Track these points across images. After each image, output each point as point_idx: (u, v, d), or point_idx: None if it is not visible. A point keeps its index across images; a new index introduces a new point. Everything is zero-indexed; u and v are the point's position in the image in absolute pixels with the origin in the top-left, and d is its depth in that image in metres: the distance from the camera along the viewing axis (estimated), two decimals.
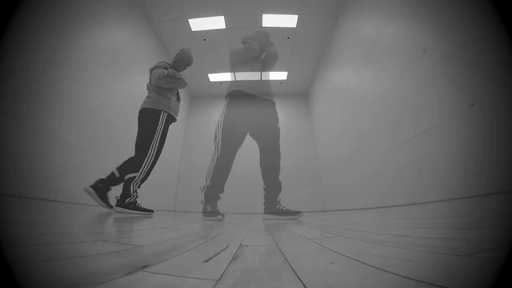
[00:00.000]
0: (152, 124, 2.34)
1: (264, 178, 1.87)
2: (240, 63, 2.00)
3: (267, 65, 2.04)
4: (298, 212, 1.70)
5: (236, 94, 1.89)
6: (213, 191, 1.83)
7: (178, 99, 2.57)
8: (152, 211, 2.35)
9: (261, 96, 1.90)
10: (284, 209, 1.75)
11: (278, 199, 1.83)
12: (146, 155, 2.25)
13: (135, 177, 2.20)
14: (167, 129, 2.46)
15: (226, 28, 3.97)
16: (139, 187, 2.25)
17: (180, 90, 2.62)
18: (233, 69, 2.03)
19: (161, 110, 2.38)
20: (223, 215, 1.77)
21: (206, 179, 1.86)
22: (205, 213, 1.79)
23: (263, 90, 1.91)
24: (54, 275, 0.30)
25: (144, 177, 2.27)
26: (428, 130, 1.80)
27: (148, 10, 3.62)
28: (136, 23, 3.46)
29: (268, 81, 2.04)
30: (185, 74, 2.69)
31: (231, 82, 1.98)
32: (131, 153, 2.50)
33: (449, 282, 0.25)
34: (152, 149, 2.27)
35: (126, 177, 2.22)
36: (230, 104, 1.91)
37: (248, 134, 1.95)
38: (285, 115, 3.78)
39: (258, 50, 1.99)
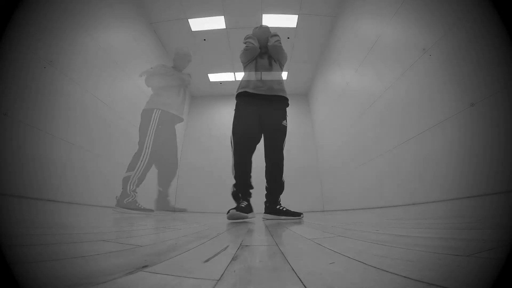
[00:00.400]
0: (145, 124, 2.39)
1: (267, 177, 1.85)
2: (247, 64, 2.00)
3: (275, 58, 2.01)
4: (299, 214, 1.70)
5: (243, 96, 1.87)
6: (240, 188, 1.76)
7: (179, 95, 2.57)
8: (152, 210, 2.36)
9: (269, 93, 1.86)
10: (284, 209, 1.74)
11: (279, 200, 1.82)
12: (140, 154, 2.27)
13: (130, 176, 2.22)
14: (162, 126, 2.47)
15: (226, 28, 3.97)
16: (137, 186, 2.26)
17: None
18: (244, 70, 2.02)
19: (153, 109, 2.42)
20: (246, 214, 1.58)
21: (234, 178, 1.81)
22: (232, 213, 1.55)
23: (269, 87, 1.87)
24: (54, 275, 0.30)
25: (140, 176, 2.28)
26: (428, 130, 1.80)
27: (148, 10, 3.62)
28: (136, 23, 3.46)
29: (277, 78, 1.98)
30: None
31: (238, 84, 1.96)
32: (131, 153, 2.52)
33: (449, 282, 0.25)
34: (145, 148, 2.29)
35: (123, 176, 2.23)
36: (239, 103, 1.90)
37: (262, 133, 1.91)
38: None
39: (258, 47, 1.97)
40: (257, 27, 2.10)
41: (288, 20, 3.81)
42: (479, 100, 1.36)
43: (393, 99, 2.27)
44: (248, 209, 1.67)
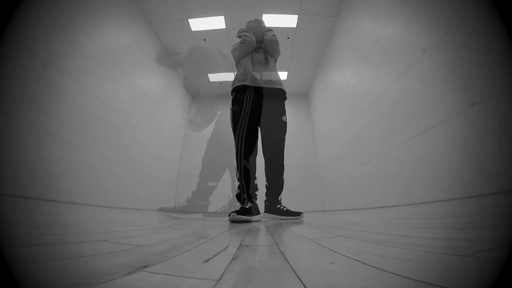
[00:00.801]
0: None
1: (268, 175, 1.81)
2: (240, 59, 1.93)
3: (270, 53, 1.96)
4: (299, 213, 1.69)
5: (240, 89, 1.79)
6: (244, 189, 1.69)
7: None
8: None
9: (268, 86, 1.80)
10: (284, 209, 1.73)
11: (279, 199, 1.80)
12: None
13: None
14: None
15: (226, 28, 3.97)
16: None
17: (179, 89, 2.61)
18: (238, 66, 1.96)
19: None
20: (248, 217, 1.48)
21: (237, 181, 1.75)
22: (234, 215, 1.47)
23: (268, 81, 1.82)
24: (54, 275, 0.30)
25: None
26: (428, 130, 1.80)
27: (148, 10, 3.62)
28: (136, 23, 3.46)
29: (274, 72, 1.91)
30: (181, 74, 2.67)
31: (234, 79, 1.89)
32: (131, 152, 2.50)
33: (449, 282, 0.25)
34: None
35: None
36: (238, 98, 1.80)
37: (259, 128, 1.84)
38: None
39: (255, 41, 1.91)
40: (251, 21, 2.01)
41: (288, 20, 3.81)
42: (479, 100, 1.36)
43: (393, 99, 2.27)
44: (253, 210, 1.59)
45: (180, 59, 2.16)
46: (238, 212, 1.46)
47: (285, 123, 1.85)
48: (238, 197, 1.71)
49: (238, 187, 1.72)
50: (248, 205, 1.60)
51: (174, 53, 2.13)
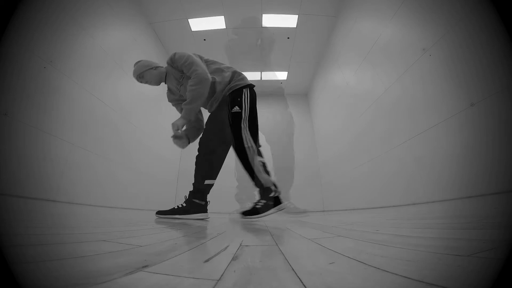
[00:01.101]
0: None
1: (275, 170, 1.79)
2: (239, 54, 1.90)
3: (266, 51, 1.94)
4: (304, 211, 1.68)
5: (239, 87, 1.76)
6: (244, 191, 1.69)
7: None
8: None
9: (267, 85, 1.80)
10: (292, 206, 1.72)
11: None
12: None
13: None
14: None
15: (226, 28, 3.97)
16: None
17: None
18: (226, 69, 1.93)
19: None
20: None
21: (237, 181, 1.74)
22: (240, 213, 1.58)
23: (267, 78, 1.82)
24: (54, 275, 0.30)
25: None
26: (428, 130, 1.80)
27: (148, 10, 3.62)
28: (136, 23, 3.46)
29: (272, 70, 1.90)
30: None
31: (232, 74, 1.82)
32: (131, 152, 2.49)
33: (449, 282, 0.25)
34: None
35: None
36: (234, 101, 1.77)
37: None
38: (284, 115, 3.78)
39: (210, 77, 1.78)
40: (248, 18, 1.92)
41: (288, 20, 3.81)
42: (479, 100, 1.36)
43: (393, 99, 2.27)
44: (264, 208, 1.61)
45: (161, 73, 2.04)
46: (247, 212, 1.48)
47: (290, 114, 1.83)
48: (264, 193, 1.66)
49: (257, 185, 1.68)
50: (260, 204, 1.60)
51: (154, 68, 2.04)
